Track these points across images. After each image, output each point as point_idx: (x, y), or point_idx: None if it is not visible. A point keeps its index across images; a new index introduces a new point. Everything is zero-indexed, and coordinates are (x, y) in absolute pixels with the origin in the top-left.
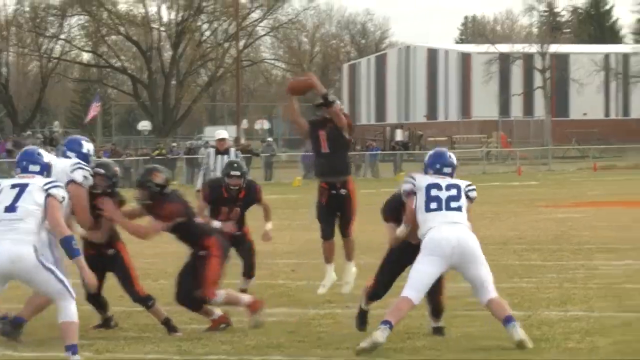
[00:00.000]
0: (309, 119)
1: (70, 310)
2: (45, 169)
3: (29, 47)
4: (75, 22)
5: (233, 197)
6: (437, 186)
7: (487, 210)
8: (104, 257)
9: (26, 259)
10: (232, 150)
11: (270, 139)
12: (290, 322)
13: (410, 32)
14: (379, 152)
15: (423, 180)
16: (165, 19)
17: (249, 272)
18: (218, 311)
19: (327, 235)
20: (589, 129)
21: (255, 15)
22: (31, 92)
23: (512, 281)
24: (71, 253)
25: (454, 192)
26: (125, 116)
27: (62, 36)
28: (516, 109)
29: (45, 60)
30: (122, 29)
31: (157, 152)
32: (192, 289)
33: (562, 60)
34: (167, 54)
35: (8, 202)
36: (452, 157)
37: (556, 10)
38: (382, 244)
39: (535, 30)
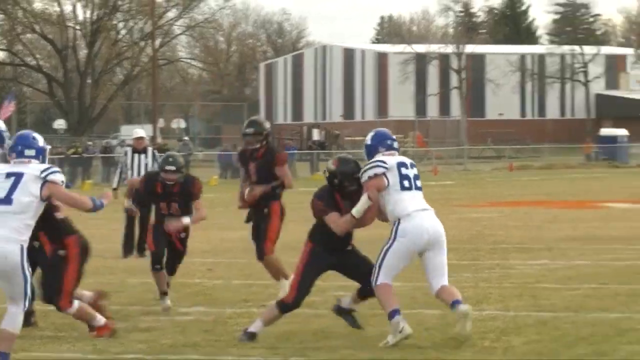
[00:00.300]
0: (224, 120)
1: (18, 318)
2: (41, 153)
3: None
4: None
5: (167, 192)
6: (404, 165)
7: None
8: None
9: (9, 258)
10: (150, 149)
11: (186, 138)
12: (206, 321)
13: (326, 31)
14: (296, 151)
15: (392, 160)
16: (80, 17)
17: (170, 270)
18: (100, 318)
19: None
20: (505, 129)
21: (171, 14)
22: None
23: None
24: (100, 207)
25: (415, 170)
26: (41, 115)
27: None
28: (432, 109)
29: None
30: (37, 28)
31: (72, 150)
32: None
33: (478, 61)
34: (83, 53)
35: (3, 194)
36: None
37: (472, 10)
38: (299, 242)
39: (451, 30)
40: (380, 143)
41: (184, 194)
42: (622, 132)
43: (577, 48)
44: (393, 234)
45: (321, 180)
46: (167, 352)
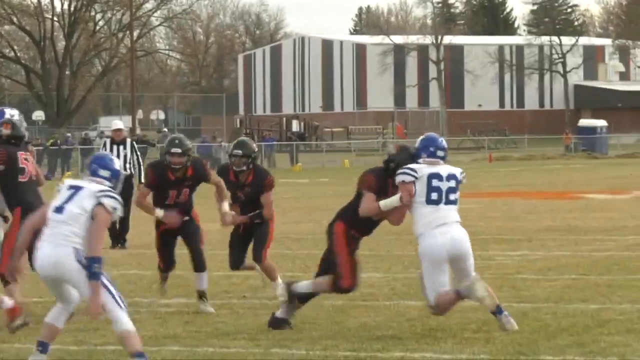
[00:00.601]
0: (203, 111)
1: (125, 319)
2: (115, 176)
3: None
4: None
5: (179, 177)
6: (438, 176)
7: None
8: None
9: (65, 262)
10: (128, 140)
11: (165, 129)
12: (187, 313)
13: (304, 23)
14: (275, 142)
15: (425, 170)
16: (58, 9)
17: (199, 266)
18: (8, 301)
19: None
20: (484, 120)
21: (149, 5)
22: None
23: (408, 271)
24: (91, 275)
25: (452, 183)
26: (19, 106)
27: None
28: (411, 100)
29: None
30: (14, 19)
31: (51, 142)
32: None
33: (456, 52)
34: (61, 44)
35: (59, 203)
36: (444, 141)
37: (450, 1)
38: (278, 234)
39: (429, 21)
40: (424, 149)
41: (197, 178)
42: (601, 123)
43: (555, 39)
44: (419, 256)
45: (300, 172)
46: (147, 344)
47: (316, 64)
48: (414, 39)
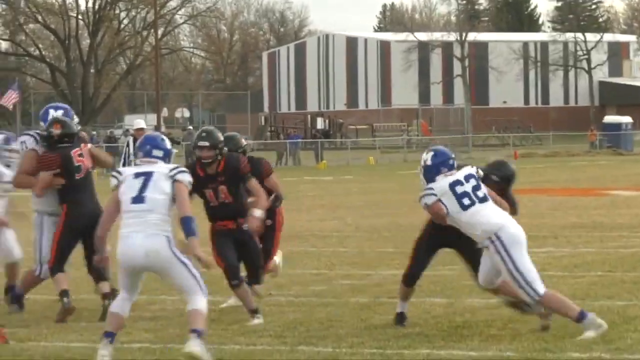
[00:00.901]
0: (227, 109)
1: (202, 302)
2: (168, 155)
3: None
4: None
5: (211, 174)
6: (459, 182)
7: (408, 198)
8: None
9: (160, 252)
10: None
11: (190, 127)
12: (213, 310)
13: (328, 20)
14: (300, 140)
15: (443, 183)
16: (82, 7)
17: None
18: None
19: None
20: (509, 117)
21: (174, 3)
22: None
23: (434, 269)
24: (188, 232)
25: (473, 181)
26: (45, 104)
27: None
28: (436, 97)
29: None
30: (39, 18)
31: None
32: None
33: (480, 49)
34: (86, 42)
35: (134, 193)
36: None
37: None
38: (304, 231)
39: (453, 18)
40: (443, 164)
41: (231, 173)
42: (627, 119)
43: (580, 35)
44: (502, 250)
45: (325, 170)
46: (174, 342)
47: (340, 61)
48: (438, 35)
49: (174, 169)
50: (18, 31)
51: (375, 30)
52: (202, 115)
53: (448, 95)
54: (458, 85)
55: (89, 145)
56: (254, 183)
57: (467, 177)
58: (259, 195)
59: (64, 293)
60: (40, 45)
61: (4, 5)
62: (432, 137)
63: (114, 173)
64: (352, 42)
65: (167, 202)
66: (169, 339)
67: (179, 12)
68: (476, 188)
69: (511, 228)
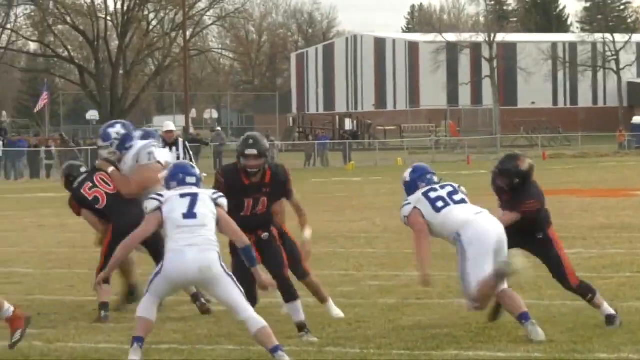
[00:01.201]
0: (255, 110)
1: (254, 317)
2: (200, 181)
3: None
4: (22, 11)
5: (256, 183)
6: (433, 189)
7: None
8: None
9: (212, 268)
10: (180, 140)
11: (219, 128)
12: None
13: (357, 21)
14: (329, 141)
15: (417, 193)
16: (111, 8)
17: (287, 296)
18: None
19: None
20: (537, 117)
21: (202, 4)
22: None
23: None
24: (251, 262)
25: (449, 188)
26: (73, 105)
27: (9, 26)
28: (464, 97)
29: None
30: (68, 19)
31: None
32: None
33: (509, 49)
34: (114, 44)
35: (185, 209)
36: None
37: None
38: (332, 232)
39: (482, 19)
40: (420, 178)
41: (277, 185)
42: None
43: (608, 36)
44: (460, 247)
45: (353, 171)
46: (202, 342)
47: (369, 62)
48: (466, 36)
49: (215, 193)
50: (47, 32)
51: (404, 31)
52: (231, 117)
53: (476, 96)
54: (486, 86)
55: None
56: (297, 199)
57: (444, 186)
58: (302, 214)
59: (103, 306)
60: (69, 47)
61: (32, 7)
62: (460, 138)
63: (155, 195)
64: (380, 43)
65: (214, 220)
66: (197, 340)
67: (208, 14)
68: (452, 193)
69: (476, 226)
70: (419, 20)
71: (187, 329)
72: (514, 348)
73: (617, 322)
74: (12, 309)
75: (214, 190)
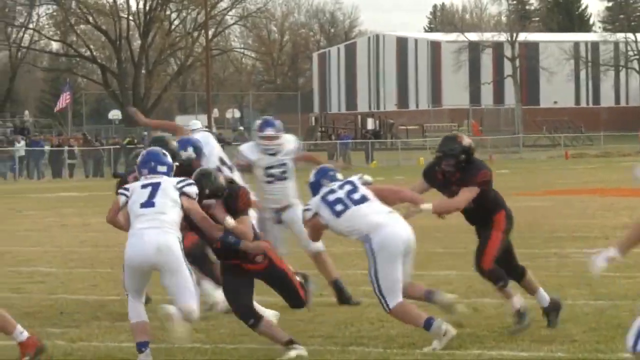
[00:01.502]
0: (277, 109)
1: (173, 312)
2: (171, 169)
3: None
4: (44, 11)
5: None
6: (331, 191)
7: None
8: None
9: (172, 249)
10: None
11: (241, 127)
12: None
13: (378, 21)
14: (351, 140)
15: (316, 197)
16: (133, 8)
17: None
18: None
19: None
20: (560, 117)
21: (224, 4)
22: (0, 82)
23: None
24: (235, 243)
25: (349, 187)
26: (95, 105)
27: (31, 25)
28: (486, 97)
29: (15, 49)
30: (90, 19)
31: (128, 140)
32: None
33: (531, 49)
34: (137, 43)
35: (143, 199)
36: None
37: None
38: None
39: (504, 19)
40: (322, 179)
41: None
42: None
43: (630, 36)
44: (370, 252)
45: (376, 170)
46: (225, 341)
47: (391, 61)
48: (488, 36)
49: (180, 181)
50: (69, 32)
51: (426, 31)
52: (253, 116)
53: (499, 96)
54: (509, 86)
55: None
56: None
57: (343, 184)
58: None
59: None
60: (91, 46)
61: (54, 6)
62: (482, 137)
63: (121, 190)
64: (402, 43)
65: (176, 210)
66: (219, 339)
67: (230, 13)
68: (352, 192)
69: (386, 230)
70: (441, 19)
71: (210, 328)
72: (537, 348)
73: (526, 321)
74: (25, 334)
75: (180, 179)
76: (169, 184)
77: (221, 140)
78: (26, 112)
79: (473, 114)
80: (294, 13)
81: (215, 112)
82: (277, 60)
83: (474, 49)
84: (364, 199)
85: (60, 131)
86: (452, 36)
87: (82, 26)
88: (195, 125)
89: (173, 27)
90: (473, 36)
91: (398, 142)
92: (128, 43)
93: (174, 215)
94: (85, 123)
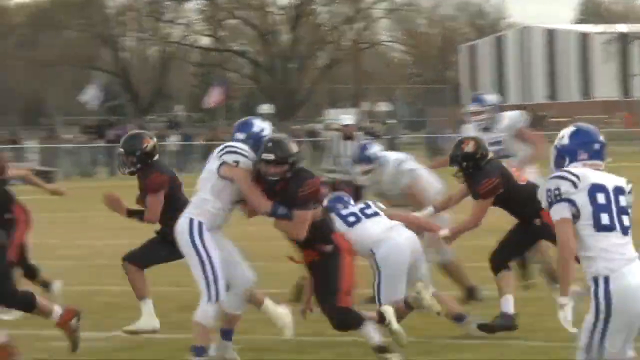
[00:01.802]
0: (426, 102)
1: (202, 311)
2: (253, 138)
3: (148, 33)
4: (193, 6)
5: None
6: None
7: None
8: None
9: (179, 232)
10: (358, 134)
11: (392, 120)
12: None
13: (527, 12)
14: None
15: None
16: (280, 2)
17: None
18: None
19: None
20: None
21: None
22: (151, 77)
23: None
24: (287, 216)
25: (362, 205)
26: (246, 100)
27: (180, 21)
28: (638, 88)
29: (165, 45)
30: (238, 13)
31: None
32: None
33: None
34: (285, 37)
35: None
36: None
37: None
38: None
39: None
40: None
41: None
42: None
43: None
44: (375, 266)
45: None
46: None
47: (540, 53)
48: (638, 27)
49: (223, 148)
50: (218, 27)
51: (577, 22)
52: (402, 109)
53: None
54: None
55: None
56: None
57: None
58: None
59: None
60: (240, 41)
61: (204, 2)
62: (636, 129)
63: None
64: (551, 35)
65: (212, 180)
66: (251, 331)
67: (378, 7)
68: (365, 208)
69: (390, 243)
70: (590, 10)
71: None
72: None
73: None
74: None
75: (225, 145)
76: (215, 154)
77: (372, 134)
78: (179, 107)
79: (625, 105)
80: (442, 6)
81: (366, 106)
82: (426, 53)
83: (624, 40)
84: (376, 214)
85: (213, 126)
86: (601, 27)
87: (231, 21)
88: (346, 120)
89: (321, 21)
90: (622, 27)
91: (549, 134)
92: (277, 37)
93: (205, 192)
94: (238, 117)
